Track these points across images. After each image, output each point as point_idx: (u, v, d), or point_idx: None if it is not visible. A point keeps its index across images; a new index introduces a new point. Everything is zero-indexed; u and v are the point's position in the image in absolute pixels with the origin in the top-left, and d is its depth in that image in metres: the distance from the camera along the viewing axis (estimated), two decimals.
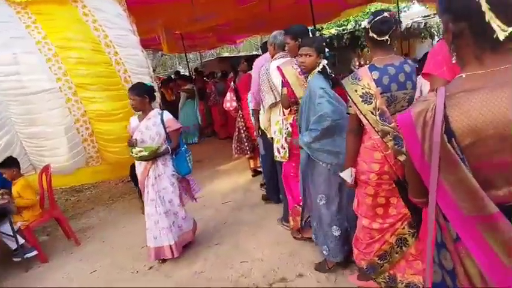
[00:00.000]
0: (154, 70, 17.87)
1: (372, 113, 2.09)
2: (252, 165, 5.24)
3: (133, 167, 4.46)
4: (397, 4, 9.04)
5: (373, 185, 2.19)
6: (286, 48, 3.08)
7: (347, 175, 2.26)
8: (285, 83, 2.89)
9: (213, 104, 8.16)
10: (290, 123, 3.01)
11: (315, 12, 8.15)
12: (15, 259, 3.56)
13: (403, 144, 2.00)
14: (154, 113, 3.23)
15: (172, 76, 10.66)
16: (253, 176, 5.17)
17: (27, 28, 4.04)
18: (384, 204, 2.23)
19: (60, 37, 4.13)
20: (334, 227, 2.66)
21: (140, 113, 3.27)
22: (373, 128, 2.09)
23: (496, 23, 0.93)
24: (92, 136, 4.34)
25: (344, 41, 11.32)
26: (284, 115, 3.07)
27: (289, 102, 2.92)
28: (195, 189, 3.50)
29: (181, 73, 12.62)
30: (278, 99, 3.19)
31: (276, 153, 3.24)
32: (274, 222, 3.65)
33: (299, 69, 2.83)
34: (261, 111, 3.66)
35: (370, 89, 2.07)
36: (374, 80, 2.07)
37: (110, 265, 3.38)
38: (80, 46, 4.20)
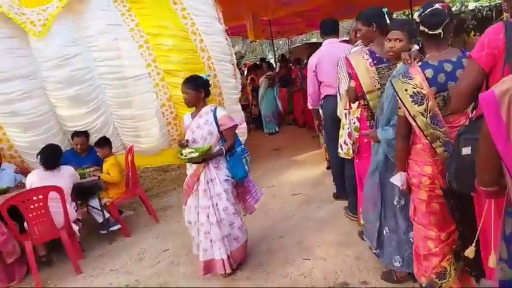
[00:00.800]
0: (243, 56, 18.34)
1: (422, 114, 1.90)
2: (327, 157, 5.07)
3: None
4: None
5: (426, 189, 2.00)
6: (358, 35, 2.78)
7: (397, 179, 2.11)
8: (353, 75, 2.63)
9: (297, 90, 8.05)
10: (357, 117, 2.78)
11: None
12: (101, 231, 3.93)
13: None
14: (207, 110, 2.85)
15: (257, 62, 10.74)
16: (327, 168, 5.01)
17: (122, 16, 4.36)
18: (438, 211, 2.02)
19: (151, 25, 4.39)
20: (412, 233, 2.36)
21: (193, 109, 2.93)
22: (422, 131, 1.91)
23: None
24: (175, 120, 4.58)
25: None
26: (350, 108, 2.85)
27: (357, 95, 2.64)
28: (254, 197, 3.06)
29: (269, 59, 12.73)
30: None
31: (338, 149, 3.06)
32: (343, 221, 3.47)
33: (370, 60, 2.57)
34: (338, 100, 3.40)
35: (422, 88, 1.88)
36: (428, 78, 1.89)
37: (181, 246, 3.54)
38: (169, 34, 4.43)
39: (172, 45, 4.36)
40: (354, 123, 2.83)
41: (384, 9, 2.60)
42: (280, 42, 18.87)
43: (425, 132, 1.91)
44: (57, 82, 4.02)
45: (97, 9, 4.21)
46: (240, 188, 3.01)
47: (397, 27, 2.34)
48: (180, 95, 4.46)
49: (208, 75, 2.89)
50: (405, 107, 1.93)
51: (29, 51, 3.99)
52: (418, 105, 1.90)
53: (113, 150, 4.27)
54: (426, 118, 1.90)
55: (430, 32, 1.88)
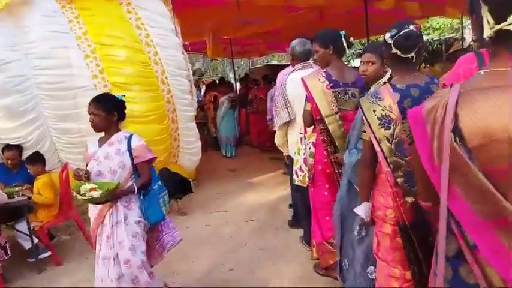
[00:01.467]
0: (203, 74, 18.14)
1: (388, 140, 1.76)
2: None
3: (162, 171, 4.36)
4: (461, 19, 8.33)
5: (391, 222, 1.84)
6: (315, 57, 2.71)
7: (361, 210, 1.93)
8: (309, 98, 2.52)
9: (253, 111, 7.92)
10: (313, 142, 2.64)
11: (370, 23, 7.70)
12: (29, 259, 3.46)
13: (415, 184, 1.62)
14: (120, 137, 2.31)
15: (217, 81, 10.55)
16: None
17: (70, 23, 4.03)
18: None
19: (100, 34, 4.09)
20: (371, 267, 2.22)
21: (102, 134, 2.36)
22: (386, 158, 1.77)
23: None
24: None
25: None
26: (306, 133, 2.72)
27: (313, 119, 2.54)
28: (169, 242, 2.50)
29: (229, 79, 12.61)
30: (293, 117, 2.95)
31: (294, 175, 2.90)
32: (298, 251, 3.28)
33: (327, 83, 2.49)
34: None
35: (391, 112, 1.76)
36: (397, 102, 1.76)
37: None
38: (120, 44, 4.14)
39: (123, 57, 4.09)
40: (310, 148, 2.68)
41: (341, 32, 2.54)
42: (242, 62, 18.92)
43: (388, 160, 1.77)
44: None
45: (41, 13, 3.86)
46: (154, 233, 2.45)
47: (369, 50, 2.28)
48: (128, 110, 4.20)
49: (123, 95, 2.44)
50: (371, 130, 1.79)
51: None
52: (385, 129, 1.77)
53: (49, 168, 3.84)
54: (391, 144, 1.76)
55: (403, 56, 1.78)
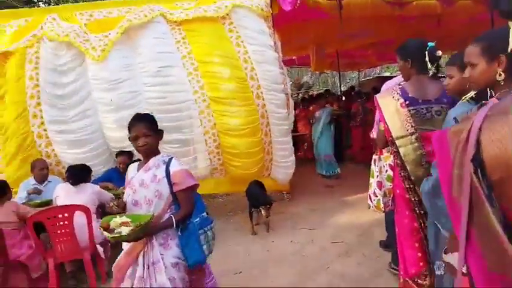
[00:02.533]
0: (310, 87, 18.15)
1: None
2: None
3: (251, 183, 4.46)
4: None
5: None
6: (398, 68, 2.46)
7: (453, 259, 1.40)
8: (380, 117, 2.30)
9: (357, 125, 7.58)
10: (390, 164, 2.40)
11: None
12: None
13: None
14: (157, 161, 2.01)
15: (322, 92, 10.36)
16: None
17: (177, 43, 4.45)
18: None
19: (203, 52, 4.42)
20: None
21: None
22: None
23: None
24: (218, 148, 4.49)
25: None
26: (381, 153, 2.52)
27: (386, 140, 2.30)
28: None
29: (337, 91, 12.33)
30: None
31: (368, 200, 2.70)
32: (385, 281, 2.98)
33: (401, 100, 2.22)
34: None
35: None
36: None
37: None
38: (220, 62, 4.42)
39: (222, 73, 4.36)
40: (386, 171, 2.47)
41: (429, 43, 2.20)
42: (353, 74, 18.43)
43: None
44: (107, 104, 4.16)
45: (152, 36, 4.35)
46: (195, 274, 2.08)
47: (448, 62, 2.02)
48: (225, 123, 4.44)
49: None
50: None
51: (85, 74, 4.22)
52: None
53: None
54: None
55: None
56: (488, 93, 1.56)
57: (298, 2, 4.49)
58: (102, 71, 4.16)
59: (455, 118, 1.49)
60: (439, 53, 2.27)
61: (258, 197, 4.36)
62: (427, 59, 2.23)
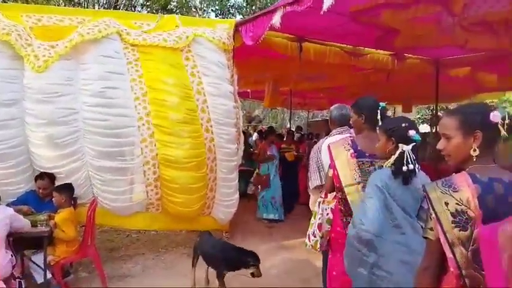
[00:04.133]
0: (261, 121, 18.30)
1: (463, 245, 1.33)
2: None
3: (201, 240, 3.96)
4: None
5: None
6: (350, 122, 2.70)
7: None
8: (331, 165, 2.48)
9: (303, 166, 7.56)
10: (331, 208, 2.56)
11: (441, 90, 7.21)
12: None
13: None
14: None
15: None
16: None
17: (128, 64, 4.14)
18: None
19: (154, 77, 4.15)
20: None
21: None
22: (459, 268, 1.33)
23: None
24: (157, 181, 4.15)
25: None
26: (326, 197, 2.65)
27: (334, 186, 2.47)
28: None
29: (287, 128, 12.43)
30: (324, 182, 2.91)
31: (306, 239, 2.74)
32: None
33: (352, 151, 2.42)
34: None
35: (469, 208, 1.35)
36: (478, 196, 1.36)
37: None
38: (171, 90, 4.15)
39: (171, 102, 4.08)
40: (327, 214, 2.61)
41: (381, 104, 2.43)
42: (302, 113, 18.87)
43: (463, 272, 1.34)
44: (38, 117, 3.71)
45: (102, 53, 4.00)
46: None
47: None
48: (168, 154, 4.12)
49: None
50: (441, 228, 1.39)
51: (20, 79, 3.76)
52: (460, 230, 1.36)
53: (83, 201, 3.82)
54: (468, 251, 1.34)
55: (504, 138, 1.43)
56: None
57: (261, 38, 4.42)
58: (39, 80, 3.73)
59: (423, 186, 1.50)
60: (389, 113, 2.52)
61: (239, 255, 3.51)
62: (378, 117, 2.41)
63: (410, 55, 6.53)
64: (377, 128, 2.16)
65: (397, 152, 2.01)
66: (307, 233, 2.83)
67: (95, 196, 4.07)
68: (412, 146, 2.03)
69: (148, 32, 4.36)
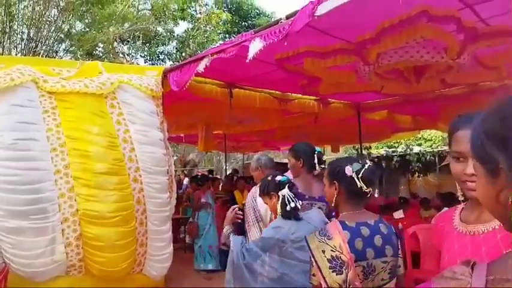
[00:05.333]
0: (196, 165, 18.03)
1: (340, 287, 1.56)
2: None
3: None
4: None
5: None
6: (288, 166, 2.88)
7: None
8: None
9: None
10: None
11: (363, 132, 7.71)
12: None
13: None
14: None
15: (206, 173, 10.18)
16: None
17: (44, 113, 3.82)
18: None
19: (73, 127, 3.85)
20: None
21: None
22: None
23: None
24: (78, 240, 3.74)
25: (393, 163, 10.65)
26: None
27: None
28: None
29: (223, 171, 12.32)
30: None
31: None
32: None
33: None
34: None
35: (342, 253, 1.58)
36: (348, 241, 1.61)
37: None
38: (93, 140, 3.86)
39: (86, 151, 3.77)
40: None
41: (317, 148, 2.66)
42: (237, 155, 18.96)
43: None
44: None
45: (14, 102, 3.65)
46: None
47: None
48: (90, 209, 3.76)
49: None
50: (321, 274, 1.56)
51: None
52: (337, 274, 1.56)
53: None
54: None
55: (366, 189, 1.66)
56: None
57: (187, 84, 4.38)
58: None
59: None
60: (325, 157, 2.69)
61: None
62: (315, 161, 2.64)
63: (333, 100, 6.96)
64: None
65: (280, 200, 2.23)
66: None
67: (6, 262, 3.55)
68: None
69: (67, 79, 4.12)
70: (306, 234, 1.97)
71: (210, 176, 9.20)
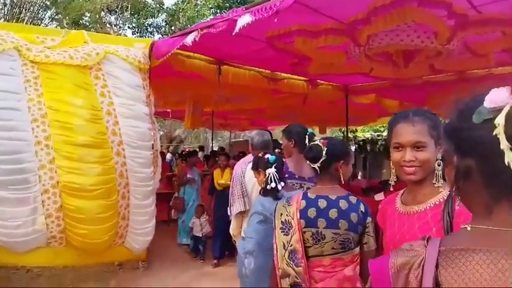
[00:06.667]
0: (182, 141, 17.93)
1: (283, 246, 1.85)
2: None
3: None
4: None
5: None
6: (281, 146, 3.00)
7: None
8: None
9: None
10: None
11: (350, 114, 7.73)
12: None
13: None
14: None
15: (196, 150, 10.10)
16: None
17: (26, 82, 3.72)
18: None
19: (56, 98, 3.77)
20: None
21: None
22: (277, 263, 1.86)
23: None
24: (58, 212, 3.72)
25: (378, 146, 10.76)
26: None
27: None
28: None
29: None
30: (248, 207, 2.98)
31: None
32: None
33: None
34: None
35: (292, 219, 1.85)
36: (300, 210, 1.86)
37: None
38: (75, 112, 3.79)
39: (67, 123, 3.70)
40: None
41: (309, 130, 2.71)
42: (225, 133, 18.91)
43: (279, 265, 1.84)
44: None
45: None
46: None
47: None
48: (71, 181, 3.72)
49: None
50: (275, 233, 1.88)
51: None
52: (284, 235, 1.85)
53: None
54: (285, 251, 1.82)
55: (312, 165, 1.91)
56: None
57: (167, 55, 4.26)
58: None
59: None
60: (316, 139, 2.72)
61: None
62: (306, 141, 2.62)
63: (322, 81, 6.93)
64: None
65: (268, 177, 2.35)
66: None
67: None
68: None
69: (52, 48, 3.99)
70: None
71: (201, 153, 9.14)
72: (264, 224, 2.23)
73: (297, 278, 1.76)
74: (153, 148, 4.52)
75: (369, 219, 1.84)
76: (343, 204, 1.81)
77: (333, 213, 1.80)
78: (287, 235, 1.82)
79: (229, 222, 4.62)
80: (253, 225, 2.29)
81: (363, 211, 1.83)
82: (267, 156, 2.44)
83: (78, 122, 3.73)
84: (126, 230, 4.30)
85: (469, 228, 0.77)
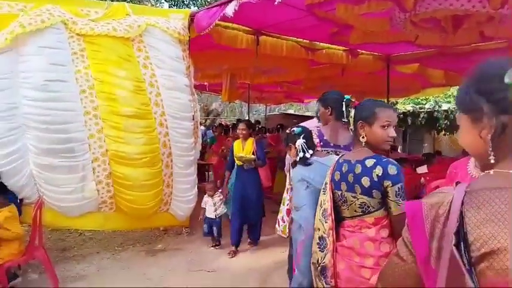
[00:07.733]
0: (219, 114, 18.10)
1: (321, 204, 1.98)
2: None
3: None
4: None
5: None
6: (318, 114, 2.92)
7: None
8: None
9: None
10: None
11: (392, 86, 7.47)
12: None
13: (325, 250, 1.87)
14: None
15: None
16: None
17: (73, 55, 3.86)
18: None
19: (102, 69, 3.89)
20: None
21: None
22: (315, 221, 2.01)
23: None
24: (108, 179, 3.93)
25: (420, 119, 10.34)
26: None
27: None
28: None
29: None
30: None
31: (276, 225, 2.89)
32: None
33: (317, 140, 2.66)
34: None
35: (327, 180, 1.99)
36: (331, 173, 1.95)
37: None
38: (120, 83, 3.91)
39: (120, 96, 3.85)
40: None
41: (346, 97, 2.47)
42: (260, 107, 18.89)
43: (315, 221, 1.98)
44: None
45: (44, 44, 3.68)
46: None
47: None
48: (119, 150, 3.91)
49: None
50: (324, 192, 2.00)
51: None
52: (323, 194, 1.97)
53: (29, 201, 3.58)
54: (321, 208, 1.93)
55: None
56: None
57: (209, 28, 4.28)
58: None
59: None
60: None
61: None
62: (343, 108, 2.44)
63: (363, 51, 6.69)
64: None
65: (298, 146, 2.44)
66: (277, 219, 2.94)
67: (41, 196, 3.79)
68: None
69: (96, 21, 4.10)
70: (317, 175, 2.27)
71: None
72: (310, 188, 2.30)
73: (324, 232, 1.86)
74: (193, 119, 4.62)
75: (387, 183, 1.72)
76: (357, 168, 1.81)
77: (350, 177, 1.84)
78: (324, 194, 1.95)
79: (252, 202, 4.67)
80: (302, 193, 2.34)
81: (379, 174, 1.73)
82: (293, 129, 2.53)
83: (122, 93, 3.85)
84: (170, 197, 4.49)
85: (491, 173, 0.87)
